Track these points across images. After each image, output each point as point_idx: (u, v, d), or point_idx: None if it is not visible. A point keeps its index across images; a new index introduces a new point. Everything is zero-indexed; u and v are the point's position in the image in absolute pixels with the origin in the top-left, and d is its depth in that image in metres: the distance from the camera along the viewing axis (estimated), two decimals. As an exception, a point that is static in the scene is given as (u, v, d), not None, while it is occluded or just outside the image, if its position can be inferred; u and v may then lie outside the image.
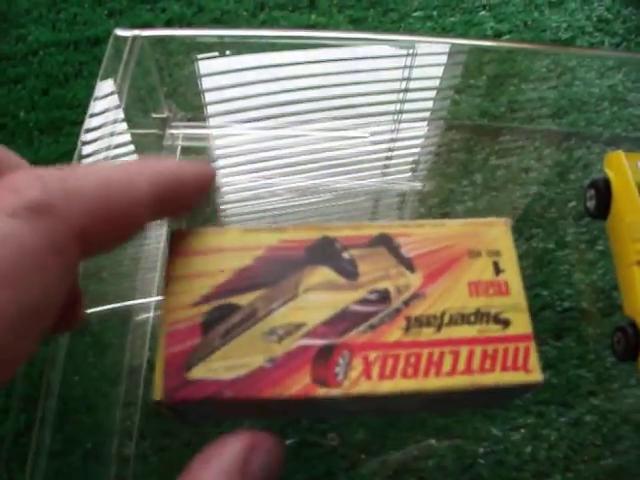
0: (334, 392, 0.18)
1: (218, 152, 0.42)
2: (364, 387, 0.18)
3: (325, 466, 0.32)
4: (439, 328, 0.19)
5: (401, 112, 0.42)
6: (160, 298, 0.39)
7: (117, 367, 0.36)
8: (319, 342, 0.19)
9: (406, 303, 0.19)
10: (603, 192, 0.31)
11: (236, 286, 0.19)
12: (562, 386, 0.35)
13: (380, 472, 0.33)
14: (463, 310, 0.19)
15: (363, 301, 0.19)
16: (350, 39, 0.37)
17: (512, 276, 0.20)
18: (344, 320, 0.19)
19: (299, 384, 0.18)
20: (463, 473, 0.33)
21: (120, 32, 0.36)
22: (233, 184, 0.41)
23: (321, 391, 0.18)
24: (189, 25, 0.45)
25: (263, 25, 0.45)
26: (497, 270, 0.20)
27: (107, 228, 0.15)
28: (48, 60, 0.46)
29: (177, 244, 0.19)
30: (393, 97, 0.43)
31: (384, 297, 0.19)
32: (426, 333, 0.19)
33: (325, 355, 0.19)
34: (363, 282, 0.19)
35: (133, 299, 0.38)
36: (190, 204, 0.18)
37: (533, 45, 0.41)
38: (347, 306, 0.19)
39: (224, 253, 0.19)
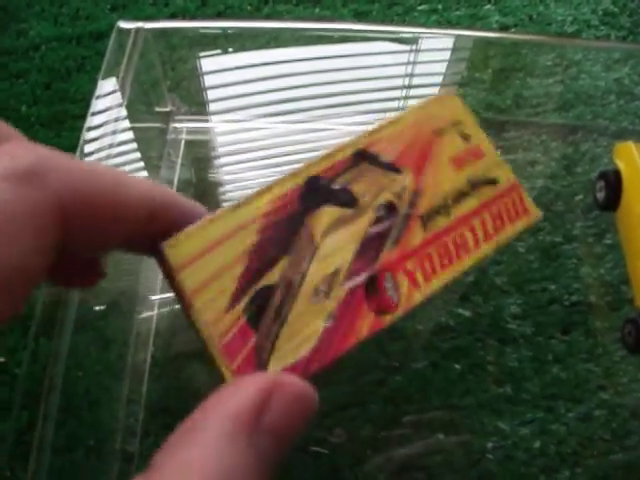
0: (398, 314, 0.19)
1: (221, 145, 0.42)
2: (418, 296, 0.19)
3: (331, 462, 0.32)
4: (448, 213, 0.20)
5: (407, 103, 0.42)
6: (164, 296, 0.38)
7: (121, 363, 0.35)
8: (360, 278, 0.19)
9: (411, 205, 0.20)
10: (613, 183, 0.31)
11: (257, 268, 0.18)
12: (571, 381, 0.35)
13: (386, 468, 0.32)
14: (458, 186, 0.20)
15: (375, 221, 0.19)
16: (354, 31, 0.37)
17: (479, 138, 0.21)
18: (369, 247, 0.19)
19: (366, 323, 0.19)
20: (471, 468, 0.32)
21: (123, 24, 0.36)
22: (236, 178, 0.40)
23: (387, 319, 0.19)
24: (193, 18, 0.45)
25: (267, 19, 0.45)
26: (465, 138, 0.21)
27: (92, 215, 0.15)
28: (50, 54, 0.45)
29: (174, 256, 0.17)
30: (397, 92, 0.43)
31: (390, 209, 0.20)
32: (441, 222, 0.20)
33: (372, 286, 0.19)
34: (366, 203, 0.20)
35: (137, 295, 0.38)
36: (179, 229, 0.17)
37: (538, 37, 0.41)
38: (365, 232, 0.19)
39: (227, 241, 0.18)
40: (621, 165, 0.30)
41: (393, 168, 0.20)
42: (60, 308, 0.34)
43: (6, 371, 0.35)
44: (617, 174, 0.30)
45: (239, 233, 0.18)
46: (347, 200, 0.19)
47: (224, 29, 0.37)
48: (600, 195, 0.32)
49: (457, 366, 0.35)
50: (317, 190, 0.19)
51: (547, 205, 0.39)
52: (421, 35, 0.37)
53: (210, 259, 0.18)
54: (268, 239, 0.18)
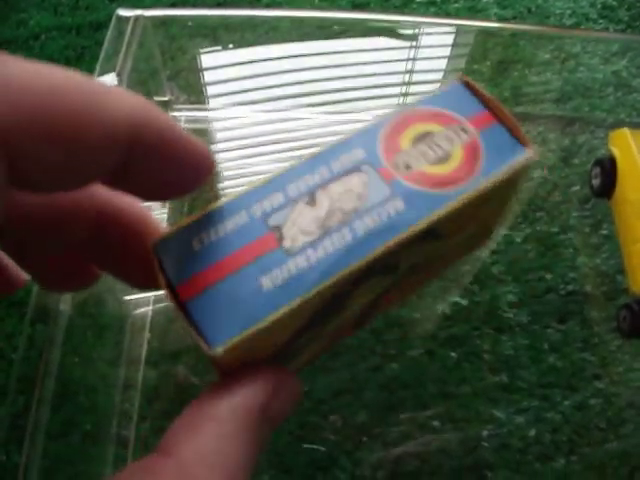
0: None
1: (220, 134, 0.42)
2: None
3: (327, 448, 0.32)
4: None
5: (406, 96, 0.42)
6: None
7: (117, 348, 0.35)
8: None
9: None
10: (608, 170, 0.31)
11: None
12: (566, 369, 0.35)
13: (381, 455, 0.32)
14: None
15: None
16: (353, 20, 0.37)
17: None
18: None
19: None
20: (466, 456, 0.32)
21: (122, 12, 0.36)
22: (235, 166, 0.40)
23: None
24: (192, 7, 0.45)
25: (266, 9, 0.45)
26: None
27: (50, 140, 0.11)
28: (50, 44, 0.45)
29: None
30: (398, 83, 0.43)
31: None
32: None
33: None
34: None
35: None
36: (178, 174, 0.14)
37: (537, 27, 0.41)
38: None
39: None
40: (616, 152, 0.30)
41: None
42: (56, 294, 0.34)
43: (3, 356, 0.35)
44: (612, 161, 0.31)
45: None
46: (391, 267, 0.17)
47: (224, 17, 0.37)
48: (595, 182, 0.32)
49: (453, 354, 0.35)
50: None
51: (544, 196, 0.39)
52: (420, 25, 0.38)
53: None
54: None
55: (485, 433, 0.33)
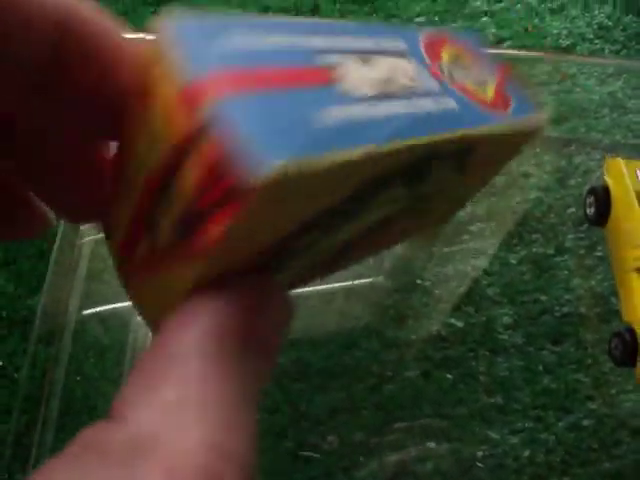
0: None
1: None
2: None
3: (323, 467, 0.32)
4: None
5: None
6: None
7: (118, 368, 0.36)
8: None
9: None
10: (602, 199, 0.32)
11: None
12: (560, 391, 0.35)
13: (378, 474, 0.33)
14: None
15: None
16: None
17: None
18: None
19: None
20: (462, 476, 0.33)
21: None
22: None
23: None
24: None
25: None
26: None
27: None
28: None
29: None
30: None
31: None
32: None
33: None
34: None
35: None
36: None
37: (534, 52, 0.42)
38: None
39: None
40: (610, 181, 0.31)
41: None
42: (60, 314, 0.35)
43: (5, 375, 0.36)
44: (606, 190, 0.31)
45: None
46: None
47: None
48: (590, 210, 0.33)
49: (449, 376, 0.35)
50: None
51: (540, 217, 0.40)
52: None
53: None
54: None
55: (480, 453, 0.33)
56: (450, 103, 0.13)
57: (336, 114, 0.10)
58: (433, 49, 0.15)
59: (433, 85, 0.13)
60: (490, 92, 0.15)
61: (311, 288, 0.34)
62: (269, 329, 0.11)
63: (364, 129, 0.11)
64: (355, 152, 0.10)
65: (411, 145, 0.11)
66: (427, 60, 0.14)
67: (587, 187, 0.39)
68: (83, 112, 0.12)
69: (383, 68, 0.12)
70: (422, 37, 0.15)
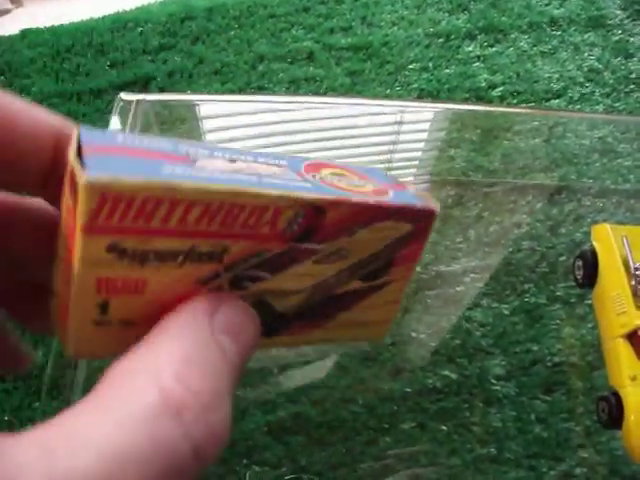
0: None
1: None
2: None
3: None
4: None
5: (391, 168, 0.43)
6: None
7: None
8: None
9: None
10: (590, 263, 0.32)
11: None
12: (552, 440, 0.36)
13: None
14: None
15: None
16: (345, 104, 0.38)
17: None
18: None
19: None
20: (457, 527, 0.34)
21: (125, 97, 0.38)
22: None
23: None
24: (190, 77, 0.46)
25: (262, 78, 0.46)
26: None
27: None
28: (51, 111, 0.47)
29: None
30: (384, 155, 0.44)
31: None
32: None
33: None
34: None
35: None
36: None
37: (524, 109, 0.43)
38: None
39: None
40: (598, 246, 0.32)
41: None
42: (69, 370, 0.36)
43: (12, 430, 0.37)
44: (594, 254, 0.32)
45: None
46: None
47: (223, 101, 0.38)
48: (578, 274, 0.34)
49: (443, 427, 0.36)
50: None
51: (532, 267, 0.41)
52: (405, 109, 0.39)
53: None
54: None
55: (475, 503, 0.34)
56: (303, 184, 0.16)
57: (179, 170, 0.14)
58: (313, 168, 0.18)
59: (292, 176, 0.16)
60: (369, 188, 0.18)
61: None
62: (229, 319, 0.14)
63: (195, 174, 0.14)
64: (173, 181, 0.13)
65: (228, 191, 0.14)
66: (301, 170, 0.17)
67: (580, 233, 0.40)
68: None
69: (242, 165, 0.15)
70: (309, 161, 0.18)
